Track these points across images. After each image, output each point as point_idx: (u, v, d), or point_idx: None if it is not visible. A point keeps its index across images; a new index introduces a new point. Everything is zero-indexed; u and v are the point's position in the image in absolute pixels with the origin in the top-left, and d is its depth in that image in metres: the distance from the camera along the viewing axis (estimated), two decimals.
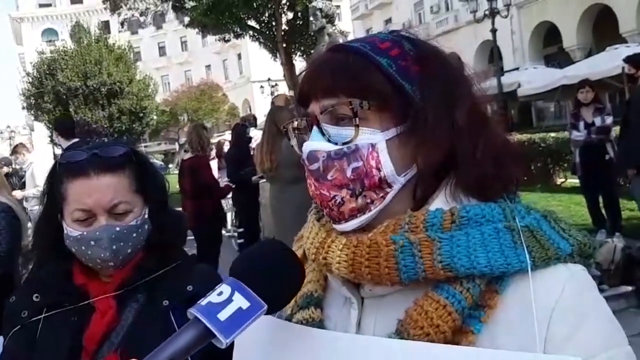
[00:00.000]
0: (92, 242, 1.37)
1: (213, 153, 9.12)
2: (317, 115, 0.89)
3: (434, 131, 0.85)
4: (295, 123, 0.96)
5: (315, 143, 0.89)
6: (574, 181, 9.16)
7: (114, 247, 1.38)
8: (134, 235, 1.41)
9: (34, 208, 6.99)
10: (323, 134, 0.89)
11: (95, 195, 1.37)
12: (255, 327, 0.93)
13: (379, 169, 0.86)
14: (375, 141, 0.86)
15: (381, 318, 0.88)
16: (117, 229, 1.38)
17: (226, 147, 11.74)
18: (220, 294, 0.79)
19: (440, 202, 0.86)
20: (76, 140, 6.51)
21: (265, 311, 0.80)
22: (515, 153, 0.92)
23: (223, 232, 8.92)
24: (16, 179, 8.86)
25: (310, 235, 0.95)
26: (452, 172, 0.87)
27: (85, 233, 1.37)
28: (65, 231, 1.40)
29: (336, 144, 0.88)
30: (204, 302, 0.78)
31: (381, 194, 0.87)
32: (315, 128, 0.90)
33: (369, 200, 0.87)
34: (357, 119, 0.86)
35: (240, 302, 0.78)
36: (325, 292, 0.98)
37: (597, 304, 0.81)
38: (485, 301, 0.80)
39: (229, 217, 10.61)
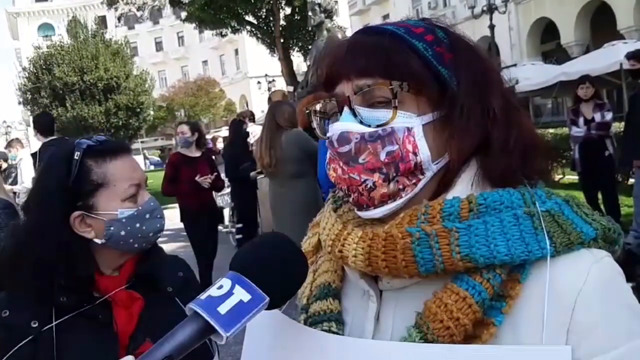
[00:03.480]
0: (148, 215, 1.37)
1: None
2: (350, 95, 0.86)
3: (470, 119, 0.83)
4: (319, 106, 0.93)
5: (347, 124, 0.85)
6: (572, 177, 9.17)
7: (163, 215, 1.42)
8: None
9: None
10: (355, 116, 0.85)
11: (139, 170, 1.40)
12: (266, 326, 0.91)
13: (415, 154, 0.83)
14: (411, 125, 0.84)
15: (400, 311, 0.86)
16: (156, 200, 1.43)
17: (219, 144, 11.70)
18: (220, 287, 0.76)
19: (459, 190, 0.84)
20: (54, 137, 6.48)
21: (267, 304, 0.77)
22: (541, 145, 0.89)
23: (220, 228, 8.92)
24: (5, 174, 8.89)
25: (326, 226, 0.92)
26: (475, 159, 0.85)
27: (140, 208, 1.36)
28: (104, 219, 1.34)
29: (369, 126, 0.84)
30: (203, 296, 0.75)
31: (414, 181, 0.85)
32: (346, 109, 0.86)
33: (401, 187, 0.84)
34: (395, 100, 0.82)
35: (241, 295, 0.75)
36: (342, 283, 0.95)
37: (622, 292, 0.79)
38: (507, 291, 0.77)
39: (226, 213, 10.58)
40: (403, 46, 0.84)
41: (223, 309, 0.74)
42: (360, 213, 0.88)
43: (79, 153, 1.34)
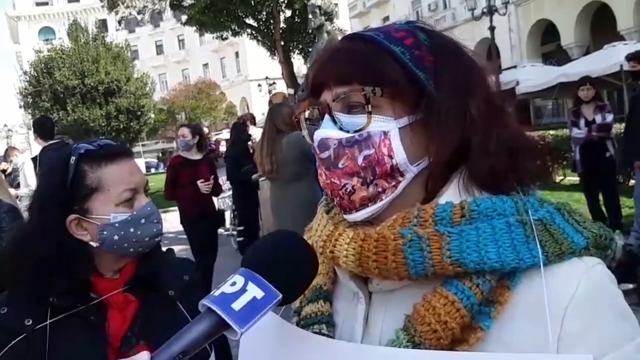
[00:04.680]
0: (143, 220, 1.37)
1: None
2: (330, 103, 0.88)
3: (447, 121, 0.83)
4: (307, 113, 0.94)
5: (326, 131, 0.87)
6: (573, 179, 9.18)
7: (161, 220, 1.42)
8: None
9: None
10: (335, 122, 0.87)
11: (137, 174, 1.41)
12: (262, 328, 0.91)
13: (390, 157, 0.84)
14: (387, 129, 0.85)
15: (389, 313, 0.86)
16: (154, 205, 1.42)
17: (222, 147, 11.69)
18: (233, 284, 0.77)
19: (450, 195, 0.84)
20: (53, 141, 6.47)
21: (280, 300, 0.78)
22: (532, 146, 0.89)
23: (221, 230, 8.93)
24: (11, 177, 8.92)
25: (318, 228, 0.93)
26: (464, 164, 0.85)
27: (135, 213, 1.37)
28: (98, 223, 1.36)
29: (348, 132, 0.86)
30: (216, 292, 0.76)
31: (393, 183, 0.86)
32: (327, 116, 0.88)
33: (380, 189, 0.85)
34: (369, 106, 0.84)
35: (254, 291, 0.76)
36: (334, 286, 0.96)
37: (613, 299, 0.79)
38: (496, 297, 0.78)
39: (228, 215, 10.59)
40: (380, 51, 0.86)
41: (237, 305, 0.74)
42: (345, 216, 0.89)
43: (74, 158, 1.37)
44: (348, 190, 0.86)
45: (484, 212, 0.80)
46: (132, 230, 1.36)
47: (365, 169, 0.85)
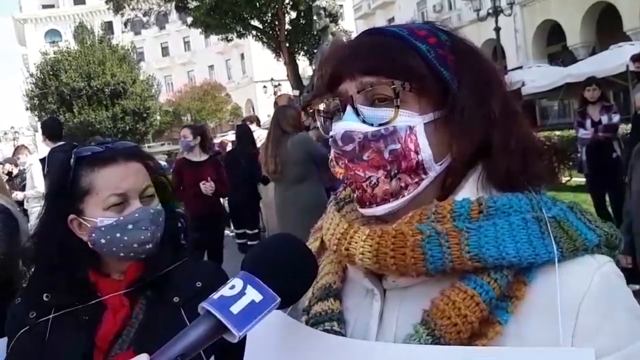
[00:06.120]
0: (130, 226, 1.38)
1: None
2: (353, 94, 0.87)
3: (470, 120, 0.84)
4: (323, 105, 0.94)
5: (350, 123, 0.87)
6: (579, 179, 9.14)
7: (152, 227, 1.40)
8: (161, 219, 1.45)
9: (34, 209, 6.98)
10: (357, 115, 0.86)
11: (130, 179, 1.40)
12: (269, 327, 0.91)
13: (417, 152, 0.85)
14: (413, 124, 0.85)
15: (404, 310, 0.87)
16: (152, 211, 1.42)
17: (228, 147, 11.68)
18: (232, 287, 0.77)
19: (467, 192, 0.85)
20: (62, 143, 6.47)
21: (278, 304, 0.78)
22: (539, 147, 0.90)
23: (227, 232, 8.89)
24: (19, 179, 8.92)
25: (330, 226, 0.93)
26: (481, 162, 0.86)
27: (122, 218, 1.38)
28: (89, 225, 1.39)
29: (372, 125, 0.86)
30: (215, 295, 0.76)
31: (416, 179, 0.86)
32: (349, 108, 0.87)
33: (403, 184, 0.86)
34: (398, 100, 0.84)
35: (252, 295, 0.76)
36: (343, 284, 0.96)
37: (625, 296, 0.81)
38: (513, 292, 0.79)
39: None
40: (406, 47, 0.86)
41: (235, 308, 0.75)
42: (362, 210, 0.89)
43: (72, 160, 1.41)
44: (372, 182, 0.86)
45: (501, 208, 0.81)
46: (118, 235, 1.37)
47: (392, 163, 0.85)
